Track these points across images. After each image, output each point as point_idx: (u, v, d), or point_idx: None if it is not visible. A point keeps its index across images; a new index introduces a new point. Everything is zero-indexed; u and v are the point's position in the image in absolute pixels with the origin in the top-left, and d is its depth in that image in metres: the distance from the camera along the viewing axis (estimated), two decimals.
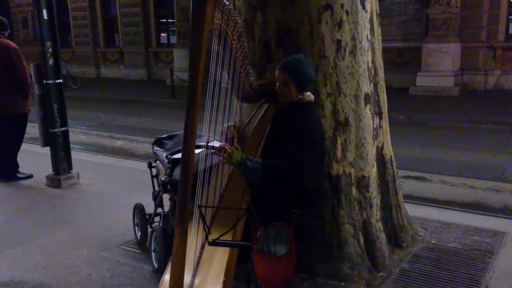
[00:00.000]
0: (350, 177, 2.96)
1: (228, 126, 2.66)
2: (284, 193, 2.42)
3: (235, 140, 2.58)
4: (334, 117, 2.91)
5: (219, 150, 2.38)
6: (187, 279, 2.15)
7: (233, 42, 2.41)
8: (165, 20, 18.66)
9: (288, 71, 2.51)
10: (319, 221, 2.84)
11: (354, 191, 2.97)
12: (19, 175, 5.22)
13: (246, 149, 2.55)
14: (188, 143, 1.97)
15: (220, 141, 2.67)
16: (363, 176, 3.02)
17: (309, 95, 2.57)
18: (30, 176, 5.24)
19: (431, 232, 3.52)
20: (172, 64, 16.37)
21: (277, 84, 2.57)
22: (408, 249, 3.23)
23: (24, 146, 5.43)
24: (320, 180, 2.77)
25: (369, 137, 3.05)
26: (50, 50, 4.72)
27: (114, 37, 20.12)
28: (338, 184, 2.93)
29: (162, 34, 18.87)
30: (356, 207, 2.97)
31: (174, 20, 17.44)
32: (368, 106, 3.03)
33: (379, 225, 3.10)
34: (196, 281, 2.18)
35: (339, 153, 2.92)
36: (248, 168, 2.37)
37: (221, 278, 2.13)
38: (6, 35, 5.10)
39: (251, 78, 2.61)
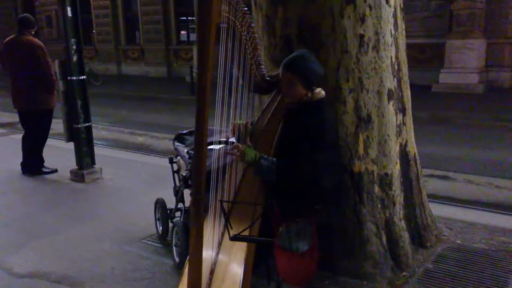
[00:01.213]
0: (373, 175, 2.92)
1: (237, 123, 2.62)
2: (303, 191, 2.39)
3: (247, 137, 2.55)
4: (356, 113, 2.86)
5: (232, 149, 2.34)
6: (205, 277, 2.14)
7: (243, 34, 2.39)
8: (185, 18, 18.75)
9: (291, 70, 2.41)
10: (340, 218, 2.81)
11: (376, 188, 2.93)
12: (44, 170, 5.32)
13: (259, 146, 2.49)
14: (200, 142, 1.92)
15: (233, 136, 2.65)
16: (386, 174, 2.97)
17: (319, 92, 2.47)
18: (55, 171, 5.34)
19: (456, 232, 3.45)
20: (192, 61, 16.45)
21: (282, 84, 2.49)
22: (432, 249, 3.18)
23: (49, 141, 5.53)
24: (339, 178, 2.73)
25: (392, 134, 3.00)
26: (74, 47, 4.80)
27: (135, 34, 20.35)
28: (360, 181, 2.89)
29: (182, 32, 18.98)
30: (379, 205, 2.93)
31: (194, 18, 17.53)
32: (391, 102, 2.98)
33: (402, 224, 3.05)
34: (215, 279, 2.18)
35: (361, 150, 2.88)
36: (263, 168, 2.30)
37: (240, 276, 2.12)
38: (33, 33, 5.21)
39: (263, 69, 2.58)
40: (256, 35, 2.48)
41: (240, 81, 2.48)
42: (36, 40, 5.16)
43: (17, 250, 3.36)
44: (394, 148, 3.01)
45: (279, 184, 2.35)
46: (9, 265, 3.15)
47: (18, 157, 5.38)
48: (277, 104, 2.78)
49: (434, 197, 4.17)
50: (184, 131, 3.52)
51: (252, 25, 2.45)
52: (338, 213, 2.76)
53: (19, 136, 5.87)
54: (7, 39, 5.29)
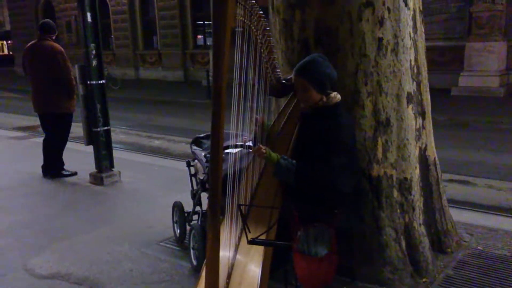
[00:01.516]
0: (392, 179, 2.89)
1: (257, 118, 2.61)
2: (321, 195, 2.38)
3: (264, 139, 2.54)
4: (375, 117, 2.84)
5: (257, 149, 2.36)
6: (222, 281, 2.14)
7: (258, 37, 2.40)
8: (201, 23, 18.91)
9: (303, 75, 2.40)
10: (359, 223, 2.78)
11: (395, 193, 2.89)
12: (65, 173, 5.41)
13: (276, 149, 2.48)
14: (216, 146, 1.93)
15: (251, 139, 2.64)
16: (405, 178, 2.94)
17: (335, 96, 2.44)
18: (75, 174, 5.42)
19: (477, 238, 3.39)
20: (208, 65, 16.55)
21: (296, 90, 2.49)
22: (453, 255, 3.12)
23: (69, 144, 5.61)
24: (357, 182, 2.70)
25: (411, 138, 2.96)
26: (94, 51, 4.87)
27: (152, 39, 20.58)
28: (379, 185, 2.86)
29: (199, 36, 19.14)
30: (398, 210, 2.90)
31: (210, 22, 17.62)
32: (410, 106, 2.95)
33: (422, 229, 3.01)
34: (232, 283, 2.17)
35: (379, 154, 2.86)
36: (283, 167, 2.31)
37: (257, 279, 2.11)
38: (54, 38, 5.30)
39: (278, 72, 2.58)
40: (271, 38, 2.49)
41: (256, 84, 2.49)
42: (56, 45, 5.25)
43: (38, 252, 3.41)
44: (413, 152, 2.98)
45: (297, 187, 2.34)
46: (30, 266, 3.20)
47: (39, 160, 5.47)
48: (293, 107, 2.78)
49: (454, 202, 4.10)
50: (202, 135, 3.54)
51: (267, 28, 2.46)
52: (356, 218, 2.74)
53: (39, 139, 5.96)
54: (28, 44, 5.40)
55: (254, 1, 2.32)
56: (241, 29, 2.27)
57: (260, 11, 2.38)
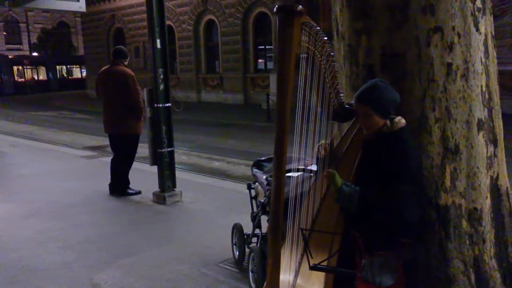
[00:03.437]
0: (460, 209, 2.75)
1: (319, 145, 2.60)
2: (388, 223, 2.31)
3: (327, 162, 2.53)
4: (443, 143, 2.74)
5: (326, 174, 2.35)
6: None
7: (322, 63, 2.42)
8: (263, 47, 19.31)
9: (365, 101, 2.36)
10: (424, 254, 2.67)
11: (464, 224, 2.75)
12: (130, 191, 5.63)
13: (338, 173, 2.42)
14: (278, 169, 1.93)
15: (313, 163, 2.64)
16: (475, 208, 2.79)
17: (399, 121, 2.38)
18: (139, 192, 5.63)
19: None
20: (268, 88, 16.78)
21: (359, 117, 2.46)
22: None
23: (134, 164, 5.85)
24: (423, 211, 2.61)
25: (482, 166, 2.82)
26: (162, 76, 5.12)
27: (214, 64, 21.27)
28: (447, 215, 2.73)
29: (260, 60, 19.54)
30: (467, 242, 2.75)
31: (272, 47, 17.95)
32: (481, 133, 2.82)
33: (493, 262, 2.83)
34: None
35: (447, 182, 2.74)
36: (345, 194, 2.26)
37: None
38: (126, 63, 5.62)
39: (342, 96, 2.57)
40: (335, 63, 2.50)
41: (319, 109, 2.50)
42: (128, 70, 5.55)
43: (104, 267, 3.56)
44: (484, 181, 2.83)
45: (361, 214, 2.29)
46: (96, 281, 3.34)
47: (106, 178, 5.75)
48: (356, 132, 2.75)
49: None
50: (263, 158, 3.58)
51: (332, 53, 2.47)
52: (421, 248, 2.63)
53: (108, 159, 6.26)
54: (102, 69, 5.77)
55: (319, 28, 2.35)
56: (305, 55, 2.30)
57: (325, 37, 2.41)
